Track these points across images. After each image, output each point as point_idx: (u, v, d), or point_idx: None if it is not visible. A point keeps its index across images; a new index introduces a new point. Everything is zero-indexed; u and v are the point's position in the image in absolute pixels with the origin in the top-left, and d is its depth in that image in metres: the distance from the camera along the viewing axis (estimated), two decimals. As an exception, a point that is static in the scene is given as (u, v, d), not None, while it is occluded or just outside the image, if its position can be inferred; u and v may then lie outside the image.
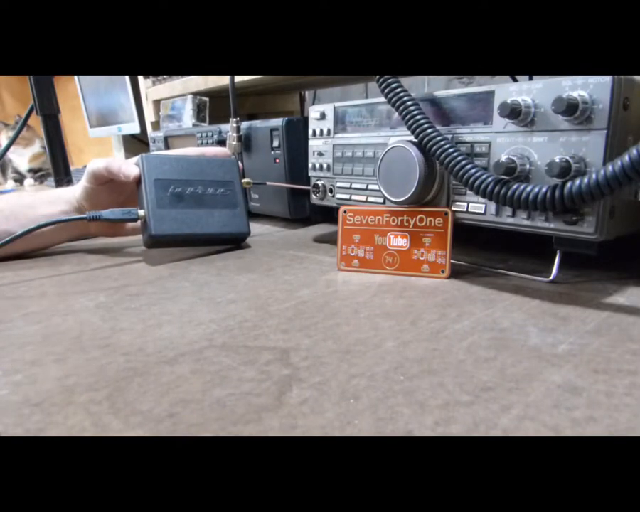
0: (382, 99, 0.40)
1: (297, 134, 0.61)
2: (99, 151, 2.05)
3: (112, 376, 0.27)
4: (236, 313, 0.35)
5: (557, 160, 0.31)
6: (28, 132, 1.82)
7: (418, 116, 0.37)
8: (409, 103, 0.37)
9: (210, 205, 0.53)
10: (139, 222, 0.53)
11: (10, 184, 1.83)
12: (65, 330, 0.34)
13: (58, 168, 0.95)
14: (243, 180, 0.58)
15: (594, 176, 0.28)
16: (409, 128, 0.38)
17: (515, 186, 0.32)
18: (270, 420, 0.22)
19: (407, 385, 0.24)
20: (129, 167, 0.52)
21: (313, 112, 0.52)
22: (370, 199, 0.46)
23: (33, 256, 0.56)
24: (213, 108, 0.93)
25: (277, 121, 0.61)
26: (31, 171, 1.88)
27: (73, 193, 0.57)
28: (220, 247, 0.55)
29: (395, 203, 0.41)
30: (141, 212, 0.50)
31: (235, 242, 0.56)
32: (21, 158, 1.87)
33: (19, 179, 1.87)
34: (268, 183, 0.62)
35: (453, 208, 0.39)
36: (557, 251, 0.36)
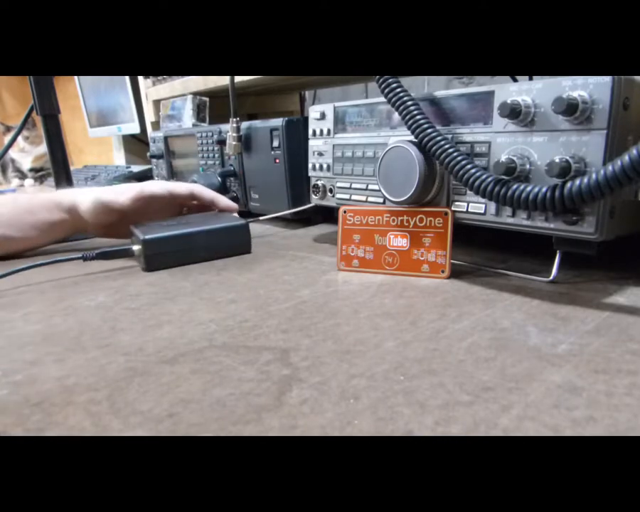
0: (382, 99, 0.40)
1: (297, 134, 0.61)
2: (99, 151, 2.05)
3: (111, 376, 0.27)
4: (236, 313, 0.35)
5: (557, 160, 0.31)
6: (39, 131, 1.81)
7: (418, 116, 0.37)
8: (409, 103, 0.37)
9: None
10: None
11: (15, 183, 1.83)
12: (65, 330, 0.34)
13: (58, 168, 0.95)
14: None
15: (594, 176, 0.28)
16: (409, 128, 0.38)
17: (515, 186, 0.32)
18: (270, 420, 0.22)
19: (407, 385, 0.24)
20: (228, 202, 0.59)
21: (313, 112, 0.52)
22: (370, 199, 0.46)
23: (32, 255, 0.56)
24: (213, 108, 0.93)
25: (277, 121, 0.61)
26: (33, 170, 1.87)
27: (73, 200, 0.55)
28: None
29: (395, 203, 0.41)
30: (136, 248, 0.49)
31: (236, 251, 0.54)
32: (25, 158, 1.86)
33: (20, 178, 1.87)
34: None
35: (453, 208, 0.39)
36: (557, 251, 0.36)
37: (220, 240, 0.52)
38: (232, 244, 0.53)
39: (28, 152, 1.85)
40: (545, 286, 0.37)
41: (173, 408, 0.24)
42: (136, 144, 1.42)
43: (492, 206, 0.37)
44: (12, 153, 1.82)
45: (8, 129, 1.88)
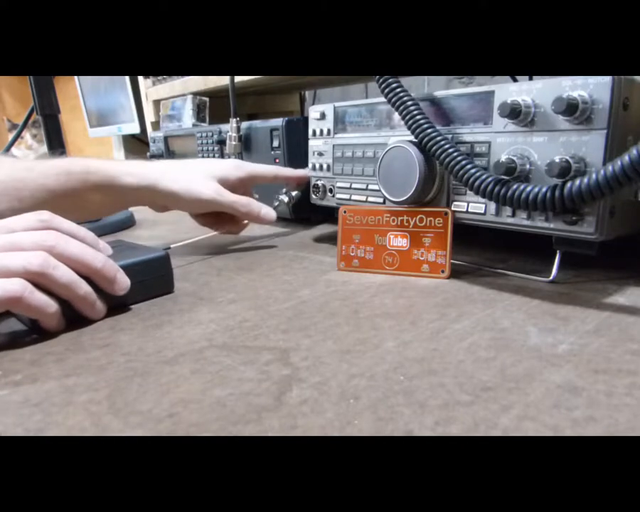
0: (382, 99, 0.40)
1: (297, 134, 0.61)
2: (99, 151, 2.04)
3: (111, 376, 0.27)
4: (236, 313, 0.35)
5: (557, 160, 0.31)
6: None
7: (418, 116, 0.37)
8: (409, 103, 0.37)
9: None
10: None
11: None
12: (65, 330, 0.34)
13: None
14: None
15: (594, 176, 0.28)
16: (409, 128, 0.38)
17: (515, 186, 0.32)
18: (270, 420, 0.22)
19: (407, 385, 0.24)
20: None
21: (313, 112, 0.52)
22: (370, 199, 0.46)
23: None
24: (213, 108, 0.93)
25: (277, 121, 0.61)
26: None
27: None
28: (220, 249, 0.55)
29: (395, 203, 0.41)
30: None
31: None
32: (30, 156, 1.86)
33: None
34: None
35: (453, 208, 0.39)
36: (557, 251, 0.36)
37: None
38: (147, 284, 0.39)
39: (35, 150, 1.85)
40: (545, 286, 0.37)
41: (173, 408, 0.24)
42: (136, 144, 1.42)
43: (492, 206, 0.37)
44: (18, 151, 1.82)
45: (14, 126, 1.88)
